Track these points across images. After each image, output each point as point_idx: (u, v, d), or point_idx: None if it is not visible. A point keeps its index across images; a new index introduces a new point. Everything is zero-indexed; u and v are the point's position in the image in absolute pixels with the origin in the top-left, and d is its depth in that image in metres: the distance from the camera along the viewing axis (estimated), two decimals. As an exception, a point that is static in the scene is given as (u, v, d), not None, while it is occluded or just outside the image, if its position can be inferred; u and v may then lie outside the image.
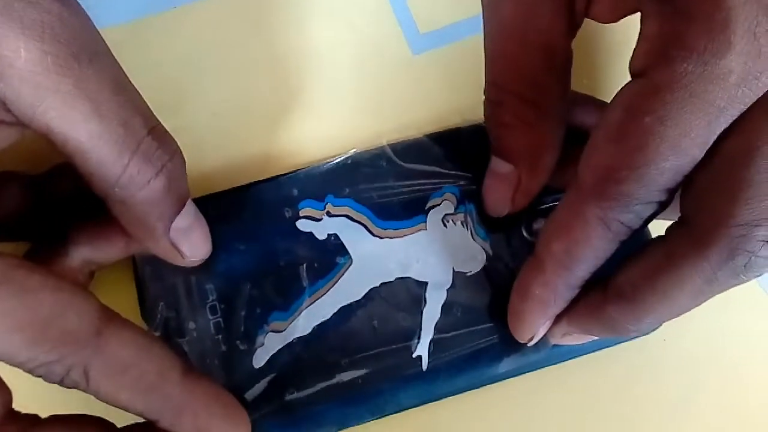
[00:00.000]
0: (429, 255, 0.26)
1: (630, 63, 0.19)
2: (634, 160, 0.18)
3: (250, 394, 0.24)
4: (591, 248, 0.20)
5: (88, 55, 0.19)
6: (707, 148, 0.18)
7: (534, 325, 0.23)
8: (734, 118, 0.18)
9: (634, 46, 0.19)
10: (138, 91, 0.21)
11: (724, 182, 0.18)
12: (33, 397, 0.20)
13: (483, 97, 0.24)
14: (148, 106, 0.21)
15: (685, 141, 0.18)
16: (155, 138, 0.21)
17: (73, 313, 0.19)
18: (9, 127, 0.20)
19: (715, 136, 0.18)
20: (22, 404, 0.20)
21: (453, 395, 0.25)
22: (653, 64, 0.18)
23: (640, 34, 0.19)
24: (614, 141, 0.19)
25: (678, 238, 0.20)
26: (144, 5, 0.28)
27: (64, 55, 0.18)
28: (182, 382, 0.21)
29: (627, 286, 0.20)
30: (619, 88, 0.20)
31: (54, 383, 0.19)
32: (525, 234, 0.26)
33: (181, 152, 0.22)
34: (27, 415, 0.20)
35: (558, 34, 0.22)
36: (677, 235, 0.20)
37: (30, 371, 0.19)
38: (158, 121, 0.21)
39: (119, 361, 0.20)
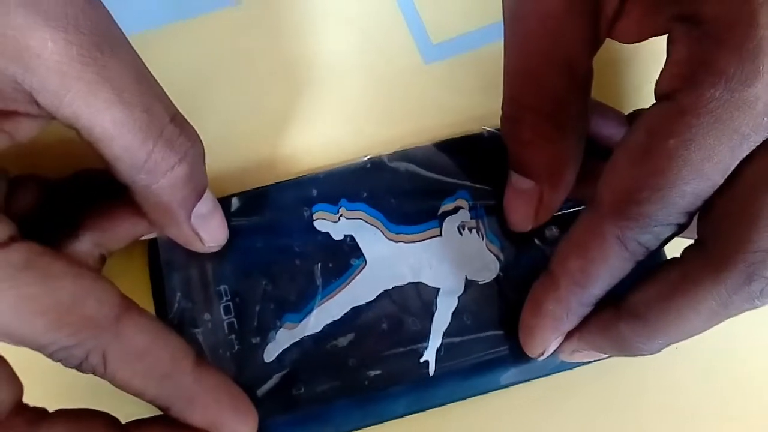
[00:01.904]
0: (442, 262, 0.26)
1: (656, 85, 0.19)
2: (656, 182, 0.18)
3: (259, 387, 0.24)
4: (607, 267, 0.20)
5: (110, 44, 0.19)
6: (728, 173, 0.18)
7: (545, 341, 0.23)
8: (757, 145, 0.18)
9: (647, 64, 0.19)
10: (157, 80, 0.21)
11: (743, 208, 0.18)
12: (41, 392, 0.20)
13: (494, 105, 0.24)
14: (167, 95, 0.21)
15: (707, 165, 0.18)
16: (177, 125, 0.21)
17: (93, 300, 0.19)
18: (33, 120, 0.20)
19: (737, 162, 0.18)
20: (30, 398, 0.20)
21: (459, 401, 0.25)
22: (680, 88, 0.18)
23: (668, 56, 0.19)
24: (636, 162, 0.19)
25: (694, 261, 0.20)
26: (158, 16, 0.29)
27: (88, 45, 0.19)
28: (194, 372, 0.21)
29: (641, 306, 0.21)
30: (632, 105, 0.20)
31: (72, 368, 0.20)
32: (537, 242, 0.26)
33: (200, 140, 0.22)
34: (35, 408, 0.20)
35: (581, 51, 0.22)
36: (694, 257, 0.20)
37: (51, 355, 0.19)
38: (178, 109, 0.22)
39: (136, 347, 0.20)
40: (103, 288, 0.20)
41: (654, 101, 0.19)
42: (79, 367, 0.20)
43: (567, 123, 0.23)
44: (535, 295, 0.23)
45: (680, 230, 0.19)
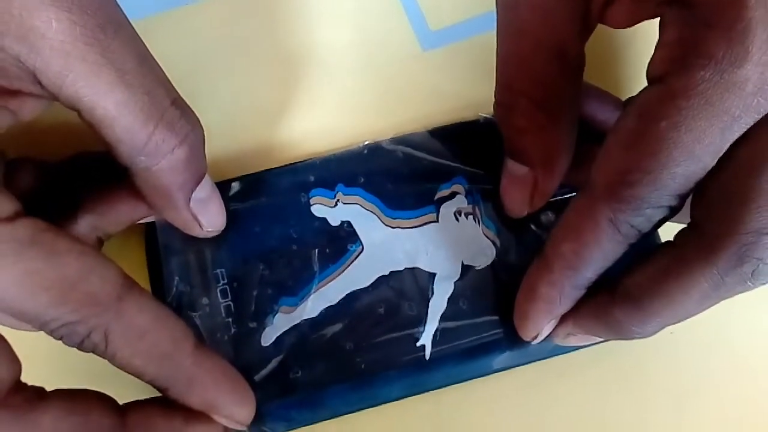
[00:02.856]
0: (439, 247, 0.26)
1: (647, 69, 0.19)
2: (648, 165, 0.18)
3: (257, 370, 0.25)
4: (600, 250, 0.20)
5: (114, 26, 0.20)
6: (720, 156, 0.18)
7: (539, 324, 0.23)
8: (748, 127, 0.18)
9: (645, 50, 0.19)
10: (158, 63, 0.21)
11: (734, 190, 0.18)
12: (40, 376, 0.21)
13: (492, 92, 0.24)
14: (168, 79, 0.22)
15: (698, 147, 0.18)
16: (178, 108, 0.21)
17: (96, 277, 0.20)
18: (36, 99, 0.20)
19: (728, 145, 0.18)
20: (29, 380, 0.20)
21: (454, 385, 0.25)
22: (671, 71, 0.18)
23: (659, 40, 0.19)
24: (628, 145, 0.19)
25: (687, 244, 0.20)
26: (156, 3, 0.29)
27: (92, 25, 0.19)
28: (193, 354, 0.22)
29: (634, 289, 0.21)
30: (625, 90, 0.20)
31: (74, 346, 0.20)
32: (533, 227, 0.27)
33: (201, 125, 0.22)
34: (33, 387, 0.20)
35: (572, 37, 0.22)
36: (686, 240, 0.20)
37: (53, 332, 0.19)
38: (179, 93, 0.22)
39: (137, 327, 0.20)
40: (106, 266, 0.20)
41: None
42: (81, 345, 0.20)
43: (559, 109, 0.23)
44: (529, 278, 0.23)
45: (672, 213, 0.20)
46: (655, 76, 0.19)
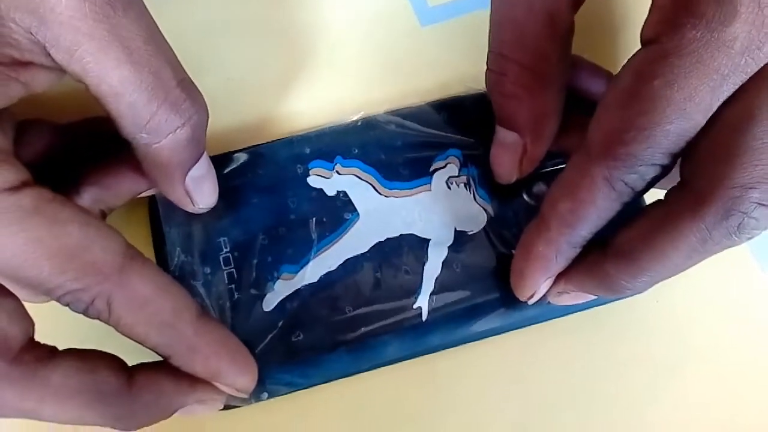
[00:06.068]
0: (432, 214, 0.27)
1: (641, 32, 0.20)
2: (641, 123, 0.19)
3: (259, 335, 0.25)
4: (595, 208, 0.21)
5: (123, 3, 0.20)
6: (710, 115, 0.19)
7: (536, 283, 0.24)
8: (736, 86, 0.19)
9: (629, 22, 0.20)
10: (168, 44, 0.22)
11: (722, 147, 0.19)
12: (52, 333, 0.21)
13: (486, 68, 0.25)
14: (177, 59, 0.22)
15: (689, 105, 0.19)
16: (183, 90, 0.21)
17: (99, 247, 0.20)
18: (48, 72, 0.20)
19: (719, 103, 0.19)
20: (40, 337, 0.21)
21: (450, 347, 0.26)
22: (663, 32, 0.19)
23: (652, 4, 0.20)
24: (623, 104, 0.20)
25: (676, 199, 0.21)
26: None
27: (101, 2, 0.19)
28: (195, 323, 0.22)
29: (625, 244, 0.21)
30: (615, 64, 0.20)
31: (79, 312, 0.20)
32: (525, 197, 0.27)
33: (206, 106, 0.23)
34: (46, 345, 0.21)
35: (563, 4, 0.23)
36: (676, 196, 0.21)
37: (59, 299, 0.20)
38: (186, 74, 0.22)
39: (139, 295, 0.21)
40: (108, 236, 0.20)
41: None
42: (86, 312, 0.20)
43: (548, 75, 0.24)
44: (526, 238, 0.24)
45: (665, 172, 0.20)
46: (648, 37, 0.20)
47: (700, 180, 0.20)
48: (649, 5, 0.21)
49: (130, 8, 0.20)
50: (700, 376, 0.28)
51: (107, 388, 0.21)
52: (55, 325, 0.22)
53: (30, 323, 0.20)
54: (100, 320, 0.21)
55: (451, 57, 0.30)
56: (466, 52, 0.30)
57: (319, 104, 0.29)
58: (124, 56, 0.20)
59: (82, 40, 0.19)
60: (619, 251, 0.22)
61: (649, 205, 0.22)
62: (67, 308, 0.20)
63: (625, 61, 0.21)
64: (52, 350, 0.20)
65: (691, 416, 0.27)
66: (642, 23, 0.20)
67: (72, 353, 0.21)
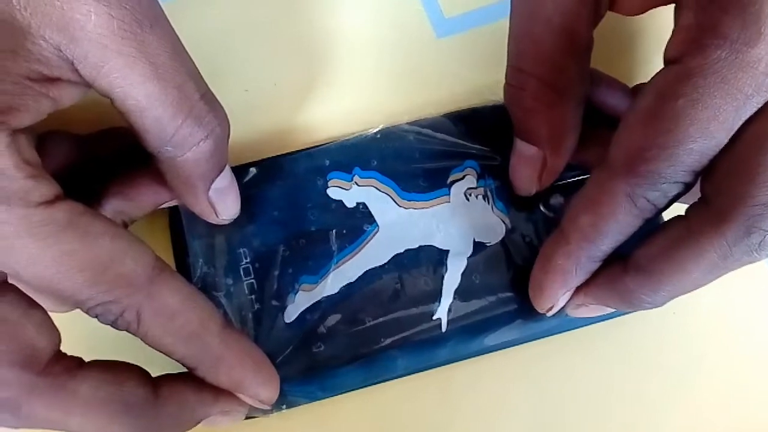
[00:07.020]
0: (451, 226, 0.27)
1: (665, 51, 0.20)
2: (665, 141, 0.19)
3: (280, 346, 0.25)
4: (616, 223, 0.21)
5: (150, 20, 0.20)
6: (732, 133, 0.19)
7: (555, 295, 0.24)
8: (759, 106, 0.19)
9: (655, 40, 0.20)
10: (190, 57, 0.22)
11: (744, 165, 0.19)
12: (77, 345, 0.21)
13: (503, 78, 0.25)
14: (199, 73, 0.22)
15: (713, 124, 0.19)
16: (206, 103, 0.22)
17: (130, 259, 0.20)
18: (75, 87, 0.21)
19: (741, 122, 0.19)
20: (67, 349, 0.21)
21: (469, 358, 0.26)
22: (687, 52, 0.19)
23: (675, 24, 0.20)
24: (646, 123, 0.20)
25: (697, 216, 0.21)
26: None
27: (129, 20, 0.19)
28: (221, 335, 0.22)
29: (646, 258, 0.22)
30: (633, 78, 0.20)
31: (108, 324, 0.21)
32: (543, 209, 0.28)
33: (227, 119, 0.23)
34: (72, 357, 0.21)
35: (582, 20, 0.23)
36: (697, 212, 0.21)
37: (89, 311, 0.20)
38: (208, 87, 0.22)
39: (168, 307, 0.21)
40: (139, 249, 0.21)
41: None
42: (115, 324, 0.21)
43: (567, 89, 0.24)
44: (546, 250, 0.24)
45: (686, 189, 0.21)
46: (672, 57, 0.20)
47: (721, 197, 0.20)
48: (666, 20, 0.21)
49: (157, 24, 0.20)
50: (718, 388, 0.28)
51: (134, 400, 0.21)
52: (69, 334, 0.22)
53: (57, 335, 0.21)
54: (128, 331, 0.21)
55: (466, 68, 0.30)
56: (482, 63, 0.30)
57: (336, 116, 0.29)
58: (150, 72, 0.20)
59: (110, 57, 0.19)
60: (639, 266, 0.22)
61: (669, 220, 0.22)
62: (82, 317, 0.20)
63: (642, 74, 0.21)
64: (79, 362, 0.21)
65: (707, 428, 0.27)
66: (659, 37, 0.21)
67: (98, 364, 0.21)
